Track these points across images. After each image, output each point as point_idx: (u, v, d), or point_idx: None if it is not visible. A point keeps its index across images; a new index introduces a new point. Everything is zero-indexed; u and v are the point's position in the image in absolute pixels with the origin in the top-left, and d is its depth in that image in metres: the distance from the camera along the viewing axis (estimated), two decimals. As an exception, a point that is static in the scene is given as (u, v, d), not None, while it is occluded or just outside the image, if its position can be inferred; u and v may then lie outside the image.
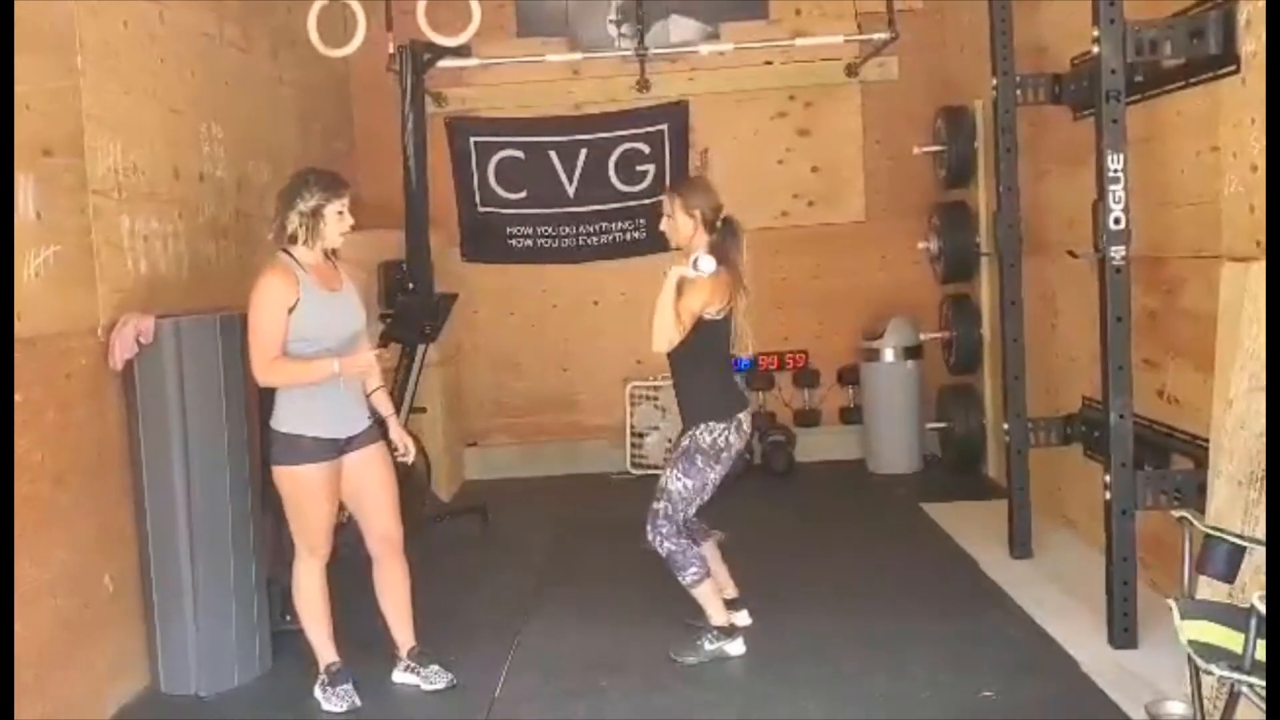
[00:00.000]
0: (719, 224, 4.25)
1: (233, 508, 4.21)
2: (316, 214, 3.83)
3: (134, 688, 4.16)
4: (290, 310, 3.76)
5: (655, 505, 4.22)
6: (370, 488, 4.00)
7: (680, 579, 4.24)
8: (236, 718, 4.04)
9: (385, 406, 4.17)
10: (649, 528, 4.22)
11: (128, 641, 4.13)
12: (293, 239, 3.84)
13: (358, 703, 3.98)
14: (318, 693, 4.02)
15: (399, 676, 4.17)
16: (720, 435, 4.19)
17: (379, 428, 4.08)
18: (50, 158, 3.78)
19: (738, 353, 4.33)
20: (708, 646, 4.25)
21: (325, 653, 4.04)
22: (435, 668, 4.13)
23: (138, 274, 4.34)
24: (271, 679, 4.32)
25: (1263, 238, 3.40)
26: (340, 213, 3.88)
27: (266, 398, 3.98)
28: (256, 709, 4.09)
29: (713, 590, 4.30)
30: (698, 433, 4.19)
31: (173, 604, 4.13)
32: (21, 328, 3.53)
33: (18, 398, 3.50)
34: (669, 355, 4.26)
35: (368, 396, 4.06)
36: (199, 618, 4.14)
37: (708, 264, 4.09)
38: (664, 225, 4.33)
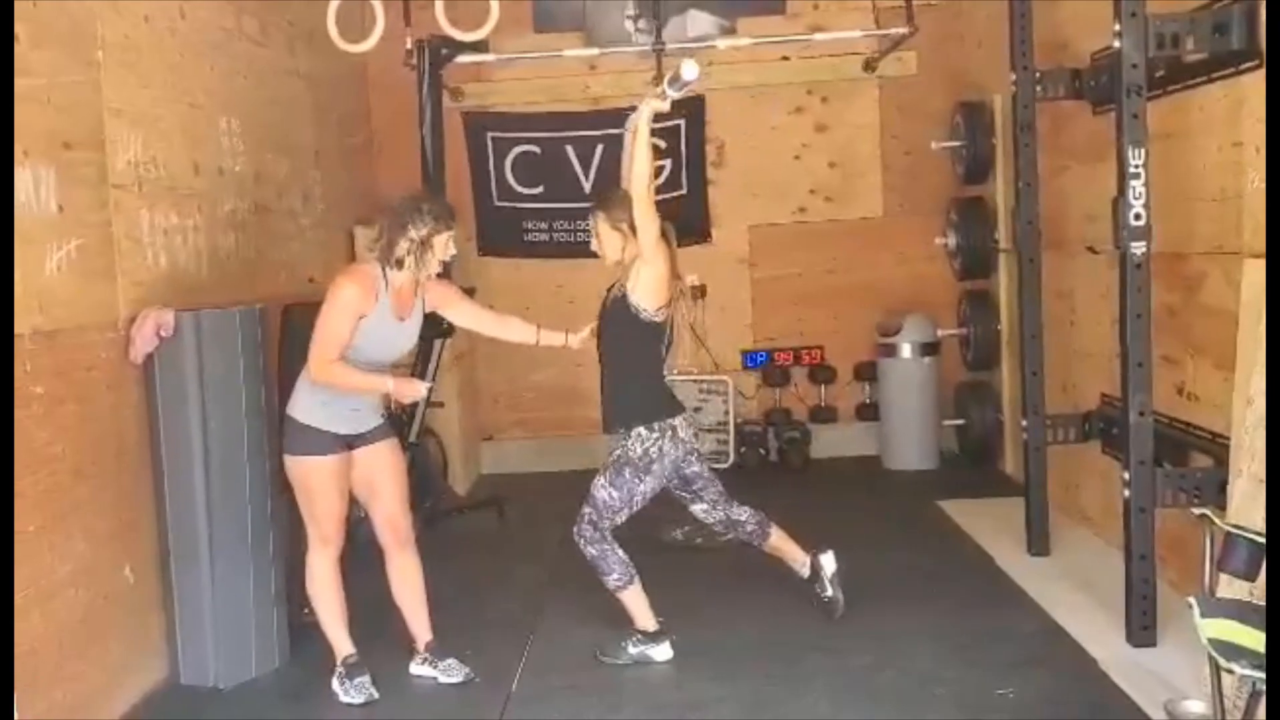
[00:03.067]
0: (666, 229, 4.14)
1: (251, 500, 4.23)
2: (426, 243, 3.87)
3: (153, 678, 4.18)
4: (360, 319, 3.83)
5: (583, 509, 4.20)
6: (379, 477, 4.04)
7: (605, 583, 4.24)
8: (254, 709, 4.06)
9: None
10: (575, 529, 4.22)
11: (147, 632, 4.16)
12: (399, 264, 3.87)
13: (375, 695, 4.00)
14: (335, 685, 4.04)
15: (416, 669, 4.19)
16: (652, 445, 4.14)
17: (390, 425, 4.15)
18: (71, 151, 3.80)
19: (671, 363, 4.27)
20: (631, 650, 4.25)
21: (341, 645, 4.07)
22: (452, 660, 4.15)
23: (158, 268, 4.36)
24: (289, 671, 4.34)
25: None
26: (447, 244, 3.93)
27: (287, 383, 4.00)
28: (274, 700, 4.12)
29: (638, 595, 4.27)
30: (629, 444, 4.15)
31: (192, 595, 4.16)
32: (42, 321, 3.55)
33: (38, 390, 3.52)
34: (601, 352, 4.25)
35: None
36: (218, 609, 4.16)
37: (691, 70, 3.78)
38: (594, 246, 4.24)
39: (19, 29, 3.50)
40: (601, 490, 4.19)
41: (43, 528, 3.50)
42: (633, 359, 4.19)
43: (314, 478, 3.91)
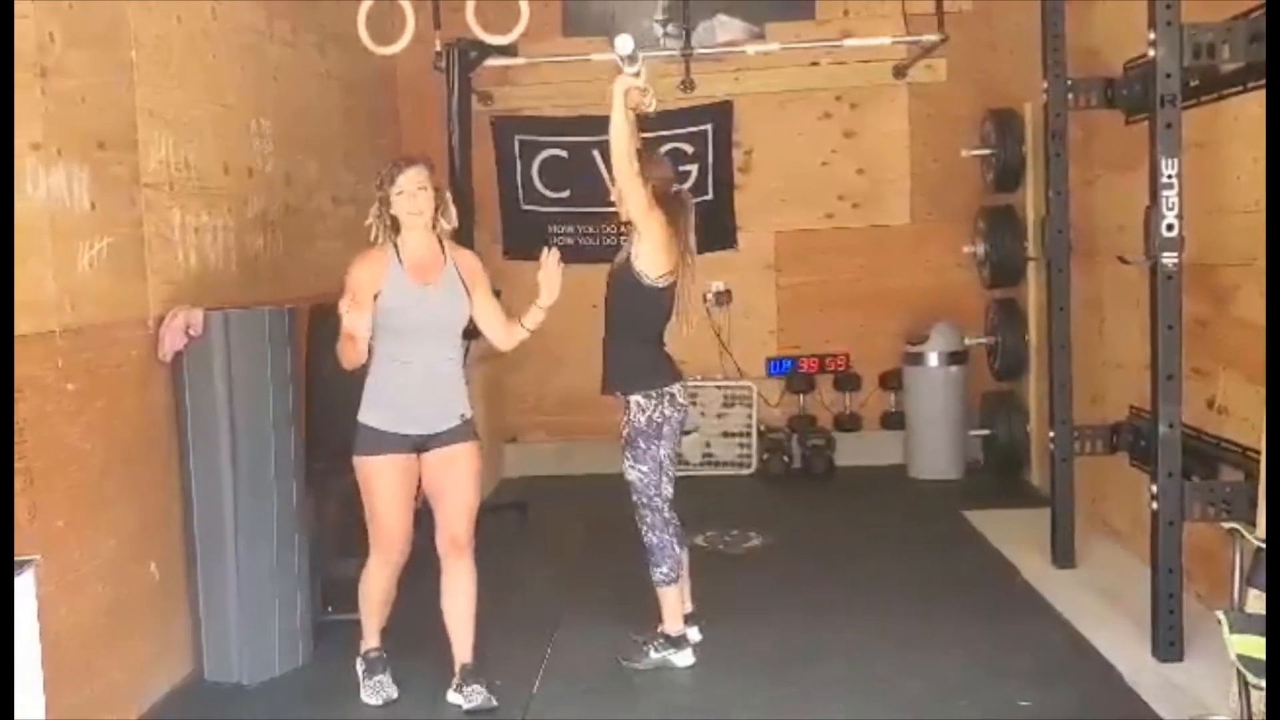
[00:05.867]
0: (669, 195, 4.22)
1: (278, 499, 4.25)
2: (385, 202, 3.81)
3: (178, 674, 4.21)
4: (375, 297, 3.74)
5: (632, 499, 4.25)
6: (446, 487, 3.89)
7: (652, 574, 4.24)
8: (278, 706, 4.08)
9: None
10: (636, 519, 4.24)
11: (172, 628, 4.18)
12: (375, 240, 3.82)
13: (394, 695, 3.97)
14: (360, 667, 4.03)
15: (452, 697, 3.98)
16: (654, 411, 4.17)
17: (470, 427, 3.94)
18: (104, 151, 3.84)
19: (677, 324, 4.25)
20: (653, 654, 4.23)
21: (369, 637, 4.05)
22: (476, 688, 3.94)
23: (188, 267, 4.40)
24: (313, 669, 4.35)
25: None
26: (400, 194, 3.78)
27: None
28: (298, 698, 4.13)
29: (677, 597, 4.27)
30: (631, 415, 4.19)
31: (217, 592, 4.18)
32: (73, 318, 3.59)
33: (69, 386, 3.56)
34: (605, 316, 4.28)
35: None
36: (243, 607, 4.18)
37: (624, 44, 3.99)
38: (613, 194, 4.25)
39: (55, 29, 3.54)
40: (631, 472, 4.21)
41: (71, 523, 3.54)
42: (634, 324, 4.23)
43: (371, 478, 3.81)
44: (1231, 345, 4.22)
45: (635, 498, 4.24)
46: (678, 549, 4.27)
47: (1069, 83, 4.99)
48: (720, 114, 7.64)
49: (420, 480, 3.91)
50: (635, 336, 4.25)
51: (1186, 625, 4.00)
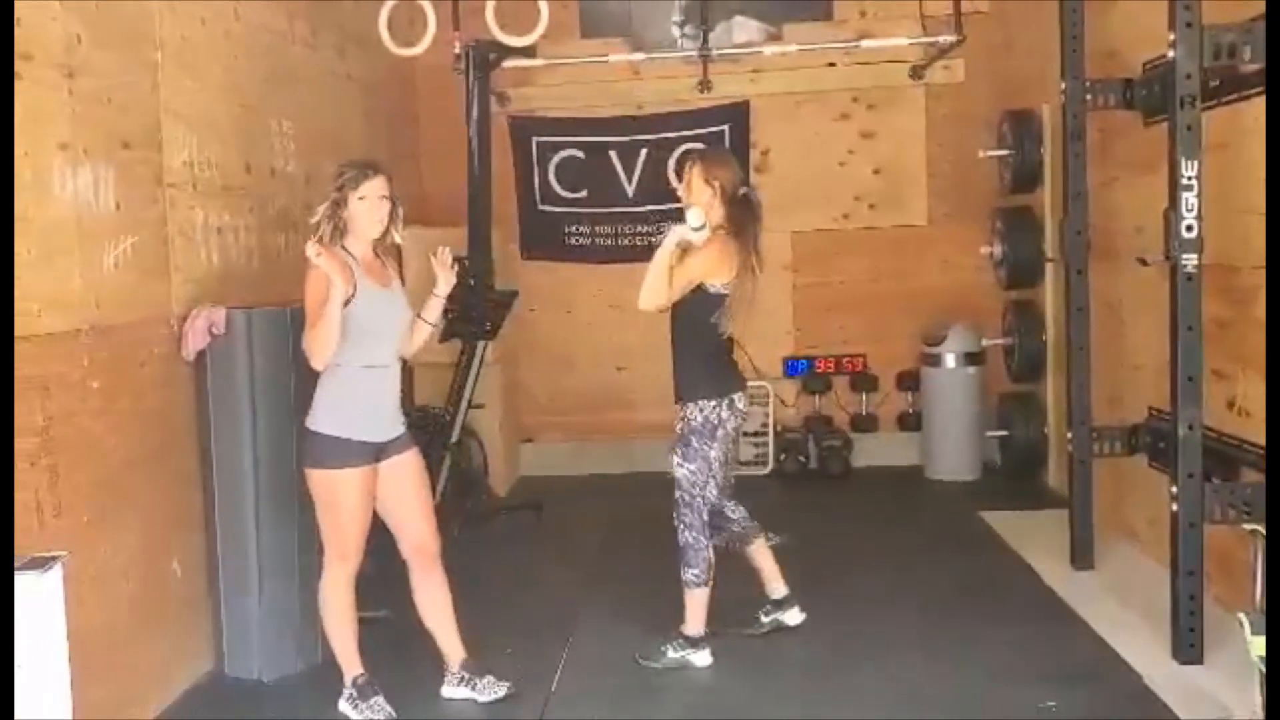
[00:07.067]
0: (738, 198, 4.19)
1: (299, 497, 4.26)
2: (339, 204, 3.68)
3: (200, 669, 4.25)
4: (350, 300, 3.60)
5: (674, 495, 4.24)
6: (406, 496, 3.86)
7: (682, 574, 4.23)
8: (297, 702, 4.11)
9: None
10: (674, 516, 4.24)
11: (194, 624, 4.22)
12: (320, 238, 3.64)
13: (394, 713, 3.86)
14: (345, 707, 3.87)
15: (449, 691, 4.00)
16: (711, 413, 4.16)
17: (412, 435, 3.96)
18: (129, 151, 3.87)
19: (731, 327, 4.20)
20: (671, 654, 4.23)
21: (351, 665, 3.88)
22: (489, 678, 3.98)
23: (210, 266, 4.43)
24: (331, 666, 4.34)
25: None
26: (362, 199, 3.68)
27: (302, 395, 3.88)
28: (316, 695, 4.14)
29: (704, 599, 4.25)
30: (688, 413, 4.19)
31: (239, 589, 4.22)
32: (98, 316, 3.63)
33: (94, 384, 3.59)
34: (671, 327, 4.25)
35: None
36: (263, 604, 4.22)
37: (695, 217, 4.04)
38: (680, 191, 4.28)
39: (80, 29, 3.58)
40: (679, 469, 4.21)
41: (96, 519, 3.57)
42: (697, 333, 4.19)
43: (339, 491, 3.71)
44: (1252, 346, 4.20)
45: (678, 494, 4.22)
46: (709, 551, 4.24)
47: (1087, 84, 4.98)
48: (737, 114, 7.65)
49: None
50: (698, 344, 4.21)
51: (1206, 627, 3.99)
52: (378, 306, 3.74)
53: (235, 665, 4.26)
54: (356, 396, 3.74)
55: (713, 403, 4.16)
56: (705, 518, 4.22)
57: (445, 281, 3.94)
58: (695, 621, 4.25)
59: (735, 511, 4.47)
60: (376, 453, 3.78)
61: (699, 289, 4.13)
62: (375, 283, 3.78)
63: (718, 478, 4.25)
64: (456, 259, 4.06)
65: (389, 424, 3.83)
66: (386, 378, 3.84)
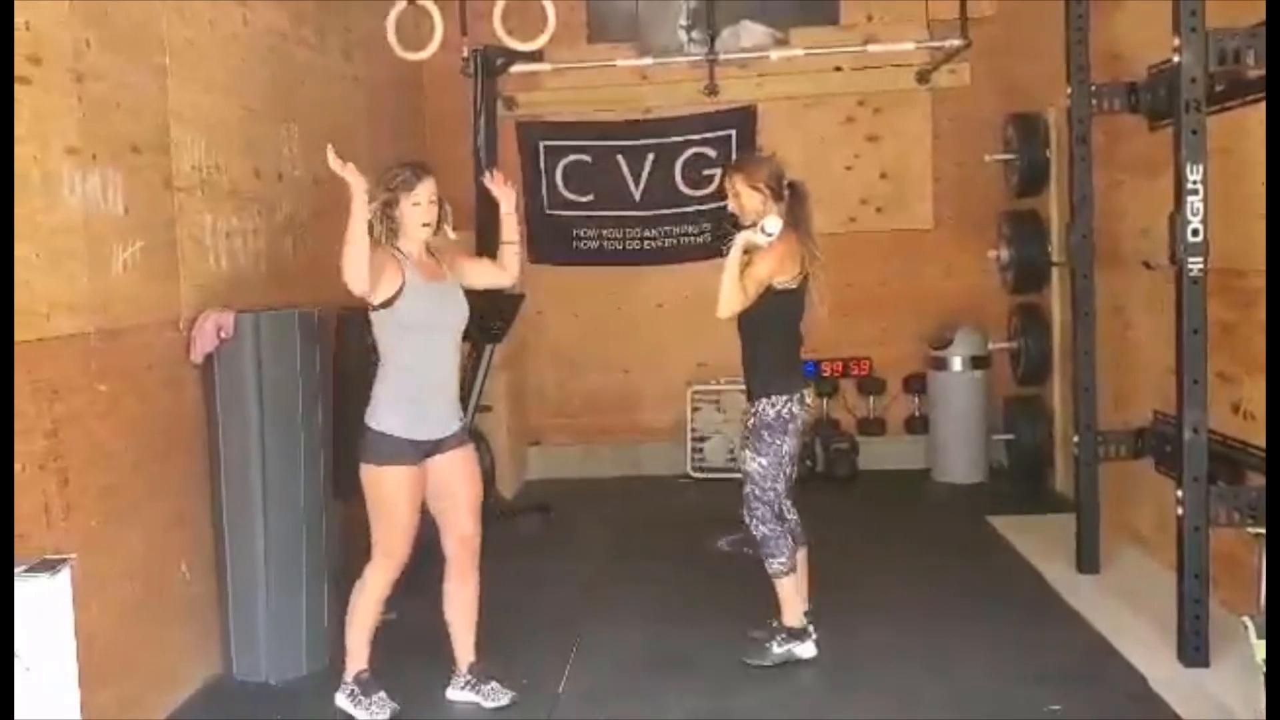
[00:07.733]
0: (785, 191, 4.21)
1: (307, 500, 4.29)
2: (390, 205, 3.75)
3: (207, 672, 4.26)
4: (396, 296, 3.68)
5: (745, 490, 4.24)
6: (455, 487, 3.89)
7: (767, 565, 4.22)
8: (305, 705, 4.11)
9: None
10: (744, 512, 4.24)
11: (202, 627, 4.23)
12: (377, 241, 3.71)
13: (397, 706, 3.90)
14: (343, 702, 3.91)
15: (455, 694, 4.04)
16: (784, 407, 4.17)
17: (468, 432, 3.99)
18: (138, 155, 3.90)
19: (811, 317, 4.24)
20: (776, 649, 4.23)
21: (358, 659, 3.93)
22: (495, 684, 4.01)
23: (218, 270, 4.45)
24: (338, 669, 4.38)
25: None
26: (416, 205, 3.77)
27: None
28: (324, 697, 4.14)
29: (794, 587, 4.26)
30: (760, 408, 4.19)
31: (246, 592, 4.23)
32: (106, 319, 3.65)
33: (102, 387, 3.61)
34: (739, 325, 4.25)
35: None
36: (271, 607, 4.23)
37: (774, 225, 4.07)
38: (731, 206, 4.29)
39: (89, 33, 3.60)
40: (751, 463, 4.21)
41: (104, 522, 3.59)
42: (769, 329, 4.21)
43: (389, 488, 3.74)
44: (1257, 350, 4.19)
45: (748, 489, 4.22)
46: (788, 538, 4.24)
47: (1092, 88, 4.98)
48: (744, 119, 7.66)
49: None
50: (769, 341, 4.23)
51: (1212, 631, 3.99)
52: (428, 300, 3.78)
53: (243, 668, 4.27)
54: (404, 394, 3.77)
55: (785, 398, 4.18)
56: (777, 510, 4.22)
57: (507, 199, 4.08)
58: (791, 611, 4.25)
59: (791, 513, 4.46)
60: (429, 450, 3.81)
61: (767, 289, 4.15)
62: (427, 277, 3.81)
63: (788, 471, 4.26)
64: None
65: (443, 421, 3.85)
66: (438, 374, 3.85)
